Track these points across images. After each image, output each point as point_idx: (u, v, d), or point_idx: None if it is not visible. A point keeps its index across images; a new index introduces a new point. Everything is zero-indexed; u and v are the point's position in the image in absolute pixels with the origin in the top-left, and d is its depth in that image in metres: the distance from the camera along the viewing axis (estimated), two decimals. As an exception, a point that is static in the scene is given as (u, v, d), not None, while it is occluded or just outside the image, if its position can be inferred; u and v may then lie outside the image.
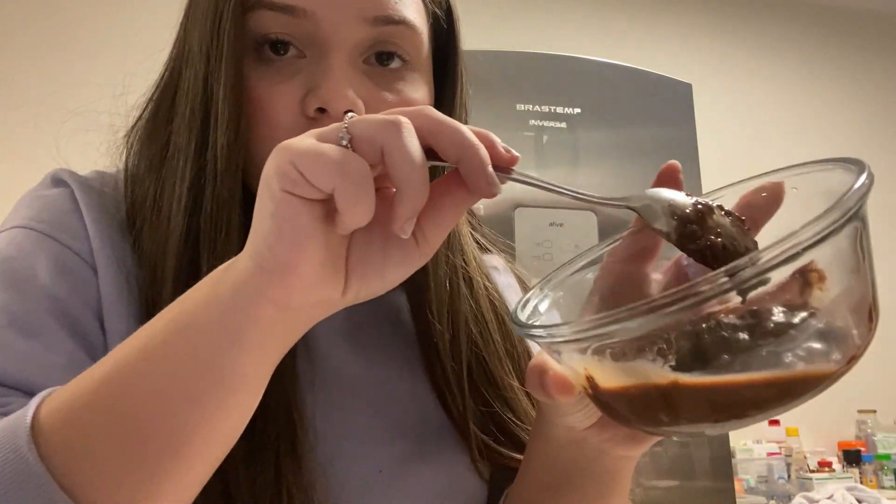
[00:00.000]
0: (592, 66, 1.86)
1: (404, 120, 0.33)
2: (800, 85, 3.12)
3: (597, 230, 1.71)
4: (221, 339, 0.34)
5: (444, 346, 0.55)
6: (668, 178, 0.47)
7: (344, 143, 0.33)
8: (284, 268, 0.32)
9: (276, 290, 0.33)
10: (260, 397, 0.37)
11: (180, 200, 0.48)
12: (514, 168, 0.37)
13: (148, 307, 0.47)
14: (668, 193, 0.45)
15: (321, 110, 0.47)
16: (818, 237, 0.33)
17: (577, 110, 1.78)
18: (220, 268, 0.36)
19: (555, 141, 1.75)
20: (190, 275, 0.46)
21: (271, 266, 0.32)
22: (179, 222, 0.48)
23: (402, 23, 0.48)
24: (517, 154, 0.36)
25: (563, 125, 1.77)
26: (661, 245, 0.46)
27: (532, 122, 1.75)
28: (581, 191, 0.39)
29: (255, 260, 0.33)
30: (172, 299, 0.37)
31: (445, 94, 0.55)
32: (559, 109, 1.77)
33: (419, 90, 0.51)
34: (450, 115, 0.53)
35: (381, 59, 0.49)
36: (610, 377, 0.35)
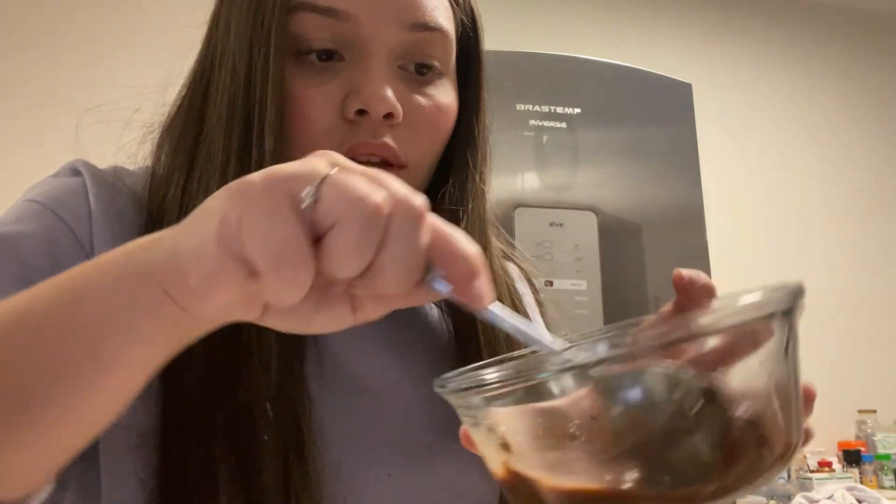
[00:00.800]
0: (592, 66, 1.86)
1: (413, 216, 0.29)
2: (800, 85, 3.12)
3: (597, 230, 1.71)
4: (111, 321, 0.31)
5: (475, 354, 0.55)
6: (682, 291, 0.43)
7: (307, 202, 0.28)
8: (192, 294, 0.29)
9: (184, 300, 0.30)
10: (140, 387, 0.34)
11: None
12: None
13: None
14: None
15: (361, 112, 0.48)
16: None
17: (577, 110, 1.78)
18: (139, 245, 0.32)
19: (555, 141, 1.75)
20: None
21: (183, 284, 0.29)
22: None
23: (438, 30, 0.50)
24: (490, 298, 0.31)
25: (563, 125, 1.77)
26: None
27: (532, 122, 1.75)
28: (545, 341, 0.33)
29: (173, 263, 0.30)
30: None
31: (469, 100, 0.56)
32: (559, 109, 1.77)
33: (448, 95, 0.53)
34: (474, 120, 0.56)
35: (417, 68, 0.51)
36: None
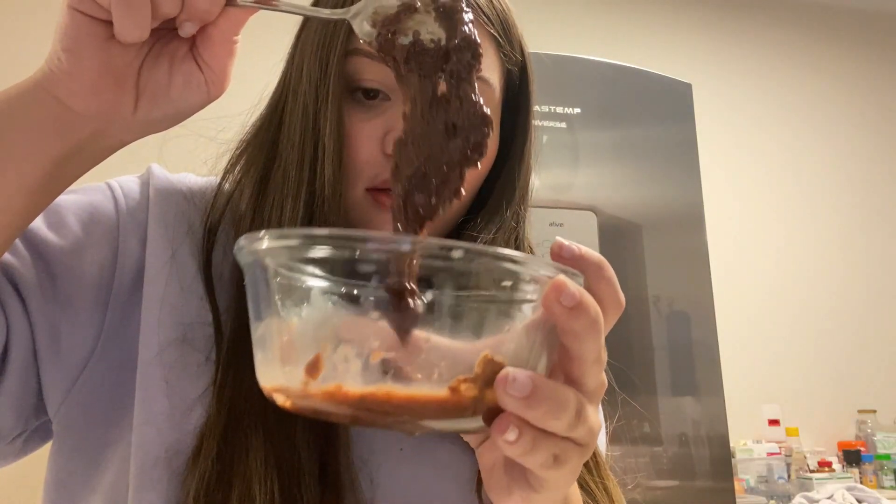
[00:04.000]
0: (592, 66, 1.86)
1: None
2: (800, 85, 3.12)
3: (597, 230, 1.71)
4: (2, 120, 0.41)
5: None
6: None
7: None
8: (66, 72, 0.40)
9: (59, 88, 0.41)
10: (40, 177, 0.43)
11: (295, 216, 0.54)
12: None
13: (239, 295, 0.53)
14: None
15: None
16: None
17: (577, 110, 1.78)
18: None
19: (555, 141, 1.75)
20: None
21: (56, 68, 0.40)
22: None
23: (478, 80, 0.53)
24: None
25: (563, 125, 1.77)
26: None
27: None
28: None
29: (47, 64, 0.41)
30: None
31: (516, 144, 0.62)
32: (559, 109, 1.77)
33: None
34: (517, 164, 0.61)
35: None
36: None
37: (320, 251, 0.31)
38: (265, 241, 0.32)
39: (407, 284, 0.32)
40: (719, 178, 2.69)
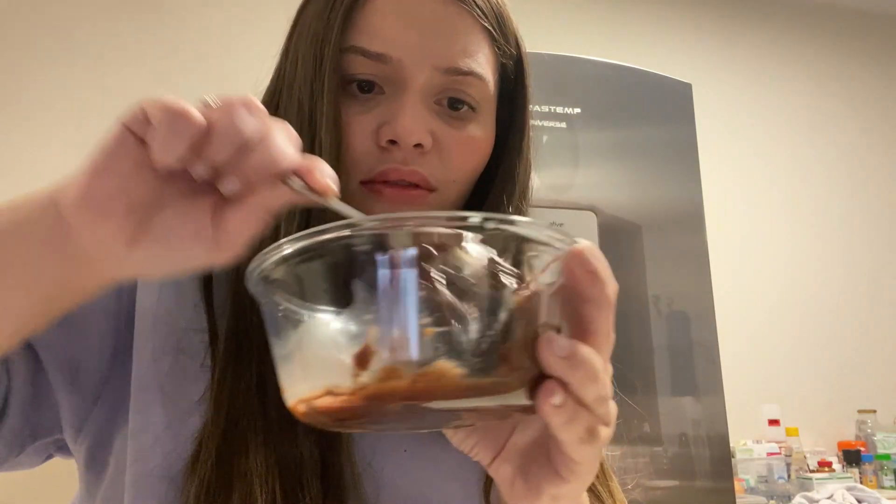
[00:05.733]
0: (592, 66, 1.86)
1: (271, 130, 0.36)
2: (800, 85, 3.12)
3: (597, 230, 1.71)
4: (4, 227, 0.38)
5: None
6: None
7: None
8: (82, 186, 0.35)
9: (68, 202, 0.36)
10: (33, 308, 0.40)
11: (293, 214, 0.53)
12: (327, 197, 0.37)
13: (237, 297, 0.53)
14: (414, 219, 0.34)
15: (392, 142, 0.54)
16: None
17: (577, 110, 1.78)
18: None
19: (555, 141, 1.75)
20: None
21: (73, 180, 0.36)
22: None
23: (471, 74, 0.56)
24: (334, 189, 0.37)
25: (563, 125, 1.77)
26: None
27: (532, 122, 1.75)
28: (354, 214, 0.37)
29: (66, 177, 0.37)
30: None
31: (514, 138, 0.62)
32: (559, 109, 1.77)
33: (480, 129, 0.58)
34: (515, 158, 0.61)
35: (451, 103, 0.57)
36: None
37: (334, 244, 0.31)
38: (271, 258, 0.33)
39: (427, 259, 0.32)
40: (719, 178, 2.69)
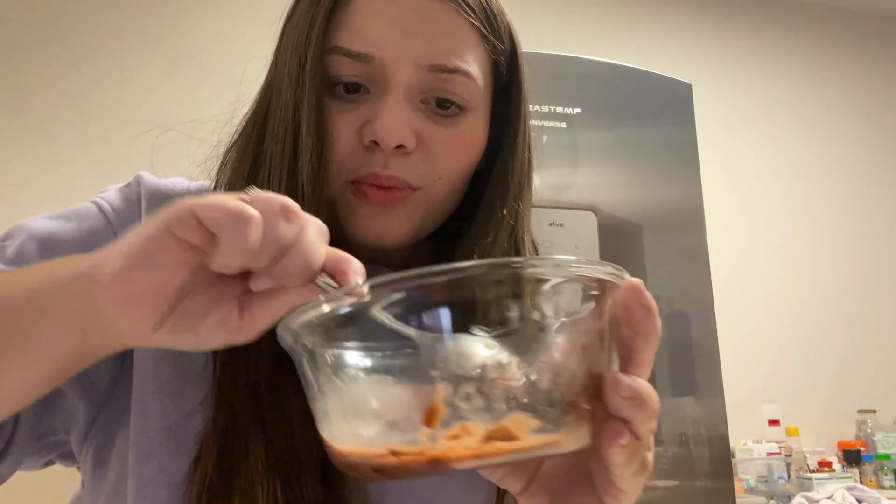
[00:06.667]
0: (592, 66, 1.86)
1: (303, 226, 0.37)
2: (800, 85, 3.12)
3: (597, 230, 1.71)
4: (30, 298, 0.38)
5: None
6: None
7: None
8: (116, 276, 0.35)
9: (99, 288, 0.36)
10: (51, 373, 0.39)
11: None
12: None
13: None
14: (470, 344, 0.33)
15: (375, 143, 0.53)
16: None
17: (577, 110, 1.78)
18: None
19: (555, 141, 1.75)
20: None
21: (106, 268, 0.36)
22: None
23: (457, 71, 0.55)
24: (364, 293, 0.36)
25: (563, 125, 1.76)
26: None
27: (532, 121, 1.75)
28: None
29: (97, 258, 0.37)
30: None
31: (508, 136, 0.60)
32: (559, 109, 1.77)
33: (470, 127, 0.57)
34: (509, 157, 0.60)
35: (439, 102, 0.55)
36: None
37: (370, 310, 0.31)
38: (318, 312, 0.32)
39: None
40: (719, 178, 2.69)
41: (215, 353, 0.52)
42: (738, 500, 1.76)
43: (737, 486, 1.90)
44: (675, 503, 1.65)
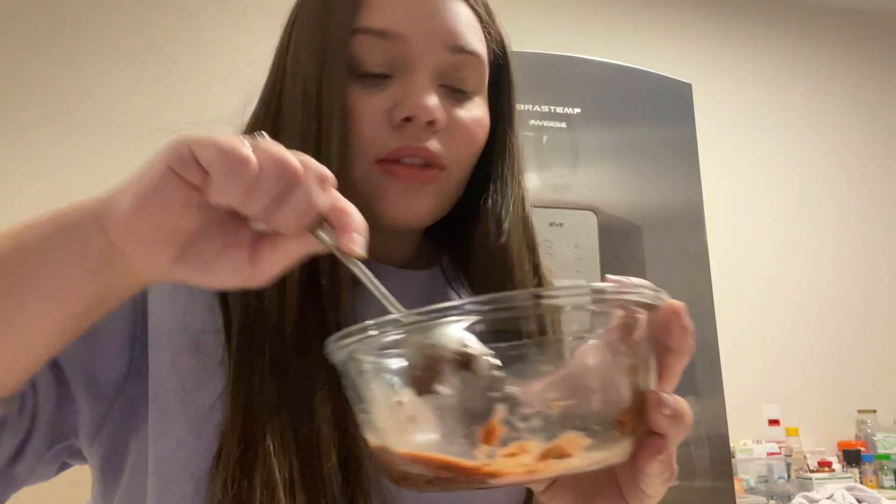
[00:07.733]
0: (592, 66, 1.86)
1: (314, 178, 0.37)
2: (800, 85, 3.12)
3: (596, 230, 1.71)
4: (43, 243, 0.39)
5: None
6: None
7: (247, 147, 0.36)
8: (129, 218, 0.37)
9: (116, 230, 0.38)
10: (75, 315, 0.41)
11: None
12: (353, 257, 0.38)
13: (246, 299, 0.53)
14: (460, 335, 0.34)
15: (407, 119, 0.54)
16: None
17: (577, 110, 1.78)
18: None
19: (555, 141, 1.75)
20: (309, 277, 0.52)
21: (120, 210, 0.37)
22: None
23: (473, 53, 0.58)
24: (361, 252, 0.38)
25: (563, 125, 1.76)
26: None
27: (532, 121, 1.75)
28: (396, 308, 0.37)
29: (109, 202, 0.38)
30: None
31: (502, 121, 0.64)
32: (559, 109, 1.77)
33: (481, 111, 0.60)
34: (508, 138, 0.63)
35: (454, 86, 0.58)
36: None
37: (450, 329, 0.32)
38: (380, 332, 0.32)
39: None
40: (719, 178, 2.69)
41: (229, 346, 0.52)
42: (737, 500, 1.76)
43: (737, 486, 1.90)
44: (675, 503, 1.65)
